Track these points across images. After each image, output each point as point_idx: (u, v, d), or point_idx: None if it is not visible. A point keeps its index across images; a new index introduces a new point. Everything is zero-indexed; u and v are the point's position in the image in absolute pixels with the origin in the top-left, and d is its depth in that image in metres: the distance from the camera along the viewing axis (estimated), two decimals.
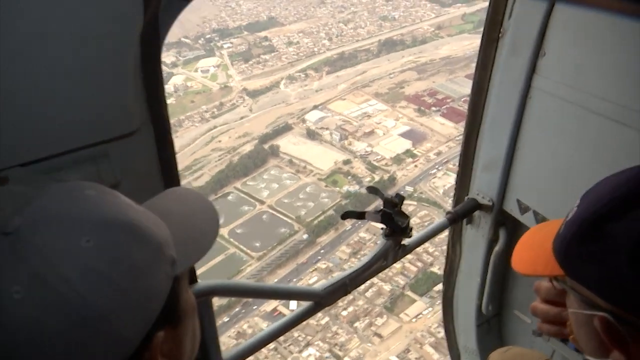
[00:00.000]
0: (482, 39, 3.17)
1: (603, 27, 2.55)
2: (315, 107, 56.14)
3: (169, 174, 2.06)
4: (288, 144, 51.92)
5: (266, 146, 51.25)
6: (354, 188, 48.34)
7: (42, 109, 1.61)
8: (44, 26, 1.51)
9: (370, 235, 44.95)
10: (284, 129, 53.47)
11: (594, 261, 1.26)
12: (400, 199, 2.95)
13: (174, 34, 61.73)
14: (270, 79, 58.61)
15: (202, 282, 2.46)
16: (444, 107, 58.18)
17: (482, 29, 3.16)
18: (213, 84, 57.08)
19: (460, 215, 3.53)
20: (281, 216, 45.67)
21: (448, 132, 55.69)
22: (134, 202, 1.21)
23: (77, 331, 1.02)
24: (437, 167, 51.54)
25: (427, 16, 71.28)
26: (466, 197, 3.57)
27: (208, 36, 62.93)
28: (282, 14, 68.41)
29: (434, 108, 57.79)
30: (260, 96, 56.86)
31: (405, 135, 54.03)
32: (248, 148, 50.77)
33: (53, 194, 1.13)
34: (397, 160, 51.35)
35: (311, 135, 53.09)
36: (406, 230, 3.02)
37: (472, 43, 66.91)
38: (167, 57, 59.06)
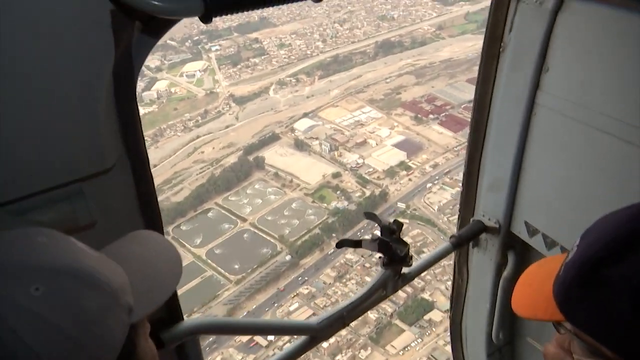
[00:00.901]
0: (482, 54, 3.07)
1: (608, 42, 2.49)
2: (305, 115, 53.01)
3: (149, 211, 1.97)
4: (274, 156, 48.95)
5: (251, 158, 48.26)
6: (342, 204, 45.33)
7: (13, 149, 1.57)
8: (13, 65, 1.49)
9: (357, 257, 41.98)
10: (271, 138, 50.44)
11: (595, 308, 1.20)
12: (398, 225, 2.84)
13: None
14: (259, 85, 55.47)
15: (187, 320, 2.35)
16: (443, 114, 54.82)
17: (485, 29, 3.03)
18: (198, 89, 53.99)
19: (465, 239, 3.39)
20: (263, 235, 42.81)
21: (446, 142, 52.37)
22: (90, 248, 1.20)
23: None
24: (433, 180, 48.41)
25: (428, 15, 67.59)
26: (471, 219, 3.46)
27: (196, 38, 59.73)
28: (275, 13, 65.01)
29: (431, 116, 54.50)
30: (247, 103, 53.75)
31: (399, 145, 50.86)
32: (232, 160, 47.83)
33: (2, 243, 1.12)
34: (390, 173, 48.24)
35: (299, 145, 50.05)
36: (405, 259, 2.90)
37: (475, 44, 63.20)
38: (151, 61, 55.99)
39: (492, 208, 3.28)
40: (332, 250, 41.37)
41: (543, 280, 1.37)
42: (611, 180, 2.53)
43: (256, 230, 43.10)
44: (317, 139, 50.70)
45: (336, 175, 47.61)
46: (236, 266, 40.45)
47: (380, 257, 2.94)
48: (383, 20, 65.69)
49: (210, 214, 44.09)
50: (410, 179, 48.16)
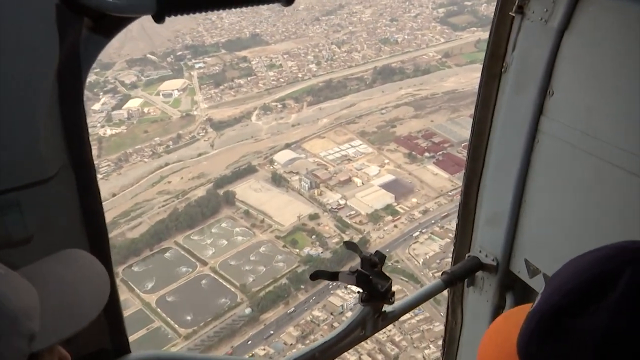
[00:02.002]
0: (482, 74, 2.99)
1: (618, 65, 2.41)
2: (287, 146, 49.55)
3: (93, 228, 1.87)
4: (247, 191, 45.49)
5: (221, 192, 44.78)
6: (316, 251, 41.73)
7: None
8: None
9: (325, 315, 38.31)
10: (247, 171, 46.95)
11: None
12: (380, 257, 2.75)
13: (139, 49, 55.86)
14: (241, 109, 52.10)
15: (135, 354, 2.25)
16: (440, 153, 51.14)
17: (487, 47, 2.98)
18: (174, 111, 50.73)
19: (459, 277, 3.23)
20: (224, 282, 39.29)
21: (440, 184, 48.66)
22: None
23: None
24: (421, 228, 44.67)
25: (435, 41, 63.87)
26: (467, 255, 3.33)
27: (179, 53, 56.59)
28: (269, 31, 61.77)
29: (427, 154, 50.82)
30: (226, 129, 50.34)
31: (388, 186, 47.15)
32: (200, 193, 44.42)
33: None
34: (374, 217, 44.54)
35: (277, 180, 46.53)
36: (387, 295, 2.78)
37: None
38: (127, 76, 52.97)
39: (490, 244, 3.15)
40: (292, 309, 37.82)
41: (510, 330, 1.26)
42: (620, 217, 2.44)
43: (216, 277, 39.63)
44: (297, 173, 47.22)
45: (313, 216, 44.06)
46: (188, 317, 36.97)
47: (359, 292, 2.78)
48: (385, 44, 62.10)
49: (167, 255, 40.63)
50: (395, 226, 44.49)
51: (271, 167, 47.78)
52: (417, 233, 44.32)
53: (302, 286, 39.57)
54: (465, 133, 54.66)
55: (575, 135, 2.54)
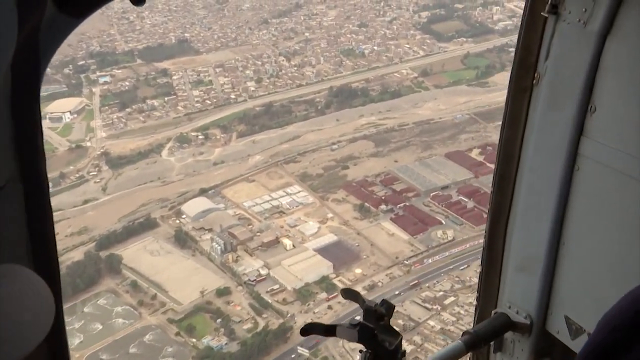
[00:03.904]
0: (509, 87, 2.89)
1: None
2: (203, 192, 44.22)
3: (42, 250, 1.80)
4: (141, 254, 40.01)
5: (105, 254, 39.53)
6: (219, 342, 36.24)
7: None
8: None
9: None
10: (143, 226, 41.71)
11: None
12: (388, 308, 2.56)
13: None
14: (149, 140, 46.83)
15: None
16: (401, 205, 45.66)
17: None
18: (62, 140, 45.89)
19: (484, 338, 3.00)
20: None
21: (396, 249, 43.08)
22: None
23: None
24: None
25: (413, 54, 58.21)
26: (493, 312, 3.12)
27: (81, 63, 51.09)
28: (201, 36, 55.98)
29: (384, 206, 45.34)
30: (126, 167, 45.21)
31: (326, 251, 41.57)
32: (76, 256, 39.12)
33: None
34: (303, 294, 38.98)
35: (181, 240, 41.20)
36: (396, 356, 2.54)
37: (470, 101, 53.77)
38: None
39: (521, 297, 2.96)
40: None
41: None
42: None
43: None
44: (210, 230, 41.67)
45: (222, 292, 38.69)
46: None
47: (361, 352, 2.54)
48: (348, 57, 56.40)
49: None
50: (330, 307, 39.01)
51: (177, 221, 42.30)
52: (359, 317, 38.54)
53: None
54: (437, 179, 48.93)
55: (622, 159, 2.46)
